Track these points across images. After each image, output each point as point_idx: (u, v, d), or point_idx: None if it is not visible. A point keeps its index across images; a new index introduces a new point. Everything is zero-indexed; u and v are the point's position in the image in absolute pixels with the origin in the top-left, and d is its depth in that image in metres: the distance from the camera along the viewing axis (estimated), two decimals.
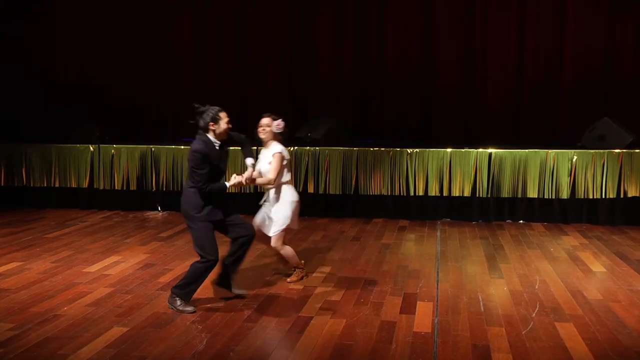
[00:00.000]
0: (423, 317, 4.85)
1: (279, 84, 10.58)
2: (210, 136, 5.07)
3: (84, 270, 6.11)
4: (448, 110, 10.06)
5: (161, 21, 10.80)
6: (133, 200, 9.28)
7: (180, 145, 9.21)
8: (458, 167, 8.48)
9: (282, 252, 5.70)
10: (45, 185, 9.46)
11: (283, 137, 5.72)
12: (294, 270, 5.80)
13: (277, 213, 5.61)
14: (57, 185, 9.42)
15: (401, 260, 6.56)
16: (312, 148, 8.81)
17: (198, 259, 5.05)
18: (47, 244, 7.15)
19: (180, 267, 6.19)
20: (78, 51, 10.89)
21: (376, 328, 4.63)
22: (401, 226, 8.24)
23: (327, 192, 8.75)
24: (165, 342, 4.36)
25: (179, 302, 5.00)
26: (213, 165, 4.98)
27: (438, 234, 7.83)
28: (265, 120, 5.63)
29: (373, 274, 6.02)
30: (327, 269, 6.16)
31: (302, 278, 5.80)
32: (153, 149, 9.22)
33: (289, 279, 5.77)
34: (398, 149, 8.63)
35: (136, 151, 9.26)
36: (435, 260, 6.53)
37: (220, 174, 5.12)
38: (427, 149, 8.60)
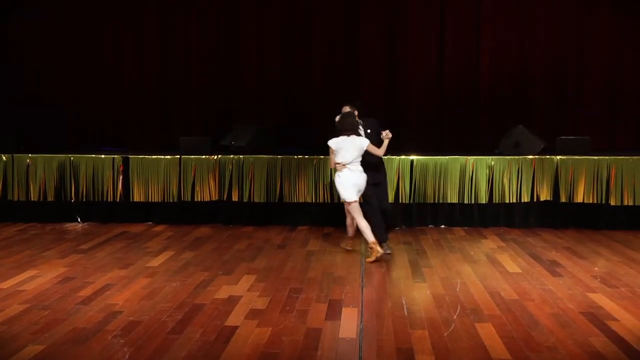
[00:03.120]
0: (348, 323, 4.91)
1: (203, 90, 10.48)
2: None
3: None
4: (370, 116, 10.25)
5: (83, 26, 10.50)
6: (50, 212, 8.93)
7: (101, 154, 8.96)
8: None
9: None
10: None
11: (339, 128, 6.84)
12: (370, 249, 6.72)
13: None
14: None
15: (326, 267, 6.61)
16: (236, 156, 8.77)
17: None
18: None
19: (102, 280, 6.01)
20: None
21: (302, 335, 4.65)
22: (326, 233, 8.31)
23: (252, 200, 8.72)
24: (85, 358, 4.22)
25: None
26: None
27: (362, 240, 7.93)
28: None
29: (298, 281, 6.04)
30: (252, 278, 6.13)
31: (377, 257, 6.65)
32: (72, 159, 8.92)
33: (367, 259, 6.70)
34: (322, 157, 8.70)
35: (54, 161, 8.93)
36: (359, 266, 6.62)
37: None
38: None
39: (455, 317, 5.04)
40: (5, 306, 5.26)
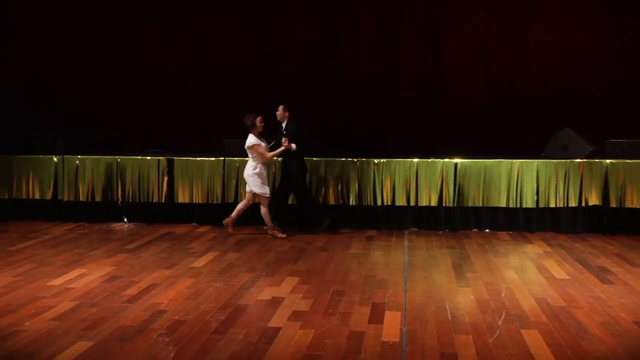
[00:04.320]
0: (391, 327, 4.87)
1: (245, 94, 10.54)
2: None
3: (47, 283, 5.98)
4: (411, 120, 10.16)
5: (126, 30, 10.71)
6: (98, 212, 9.14)
7: (147, 157, 9.12)
8: (424, 177, 8.57)
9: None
10: (7, 197, 9.26)
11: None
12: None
13: None
14: (19, 197, 9.23)
15: (369, 270, 6.59)
16: (280, 159, 8.80)
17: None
18: (9, 257, 6.99)
19: (147, 279, 6.12)
20: (42, 60, 10.70)
21: (345, 338, 4.64)
22: (369, 236, 8.28)
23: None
24: (132, 356, 4.30)
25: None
26: None
27: (405, 243, 7.89)
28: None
29: (341, 284, 6.03)
30: (295, 280, 6.15)
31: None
32: (119, 160, 9.11)
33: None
34: (365, 159, 8.69)
35: (101, 162, 9.14)
36: (403, 270, 6.58)
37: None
38: (394, 159, 8.67)
39: (500, 322, 4.96)
40: (56, 302, 5.41)
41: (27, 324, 4.89)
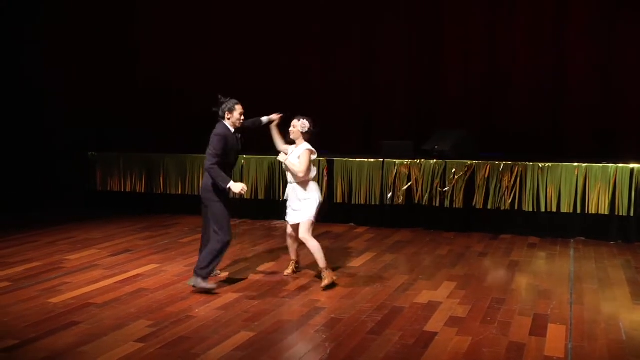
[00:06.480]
0: (555, 341, 4.58)
1: (405, 96, 10.48)
2: (227, 124, 5.83)
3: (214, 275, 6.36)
4: (581, 122, 9.50)
5: (283, 35, 10.99)
6: (261, 209, 9.57)
7: None
8: (594, 183, 7.99)
9: (309, 244, 5.88)
10: (180, 192, 10.01)
11: (311, 137, 6.09)
12: (323, 272, 5.87)
13: (305, 206, 5.97)
14: (190, 193, 9.93)
15: (531, 279, 6.26)
16: (438, 161, 8.66)
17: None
18: (181, 249, 7.55)
19: (306, 276, 6.30)
20: (194, 66, 11.33)
21: (504, 349, 4.44)
22: (531, 243, 7.89)
23: (454, 205, 8.55)
24: (291, 349, 4.44)
25: (201, 281, 5.67)
26: (227, 149, 5.76)
27: (571, 253, 7.41)
28: (293, 121, 6.08)
29: (500, 291, 5.79)
30: (453, 285, 6.00)
31: (332, 282, 5.86)
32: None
33: (322, 285, 5.83)
34: (529, 163, 8.27)
35: (265, 161, 9.55)
36: (568, 281, 6.18)
37: (231, 161, 5.97)
38: (560, 164, 8.17)
39: None
40: (222, 293, 5.74)
41: (196, 310, 5.24)
